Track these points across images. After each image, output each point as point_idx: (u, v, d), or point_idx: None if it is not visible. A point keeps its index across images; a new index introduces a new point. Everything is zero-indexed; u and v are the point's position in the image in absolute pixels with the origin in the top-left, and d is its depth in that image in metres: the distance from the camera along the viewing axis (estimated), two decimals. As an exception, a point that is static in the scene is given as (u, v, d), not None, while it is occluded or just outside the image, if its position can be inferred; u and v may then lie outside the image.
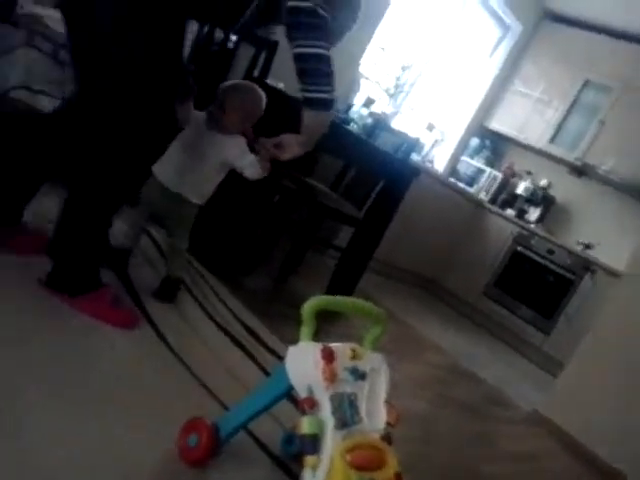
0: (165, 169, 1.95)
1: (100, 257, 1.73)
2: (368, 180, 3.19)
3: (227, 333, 2.01)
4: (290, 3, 1.54)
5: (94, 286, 1.69)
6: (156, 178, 1.96)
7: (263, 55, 2.42)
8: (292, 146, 1.77)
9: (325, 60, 1.58)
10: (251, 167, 1.88)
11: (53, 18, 2.04)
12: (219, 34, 2.64)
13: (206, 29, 2.61)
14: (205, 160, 1.93)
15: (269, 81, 2.50)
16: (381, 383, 1.31)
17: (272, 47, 2.40)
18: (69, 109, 1.73)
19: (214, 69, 2.55)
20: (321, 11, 1.54)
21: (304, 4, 1.53)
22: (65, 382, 1.34)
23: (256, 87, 2.01)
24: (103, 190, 1.64)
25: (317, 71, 1.59)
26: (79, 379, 1.38)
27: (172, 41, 1.62)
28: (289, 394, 1.29)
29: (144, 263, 2.22)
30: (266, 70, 2.43)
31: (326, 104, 1.64)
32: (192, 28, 2.66)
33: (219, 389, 1.60)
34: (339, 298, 1.38)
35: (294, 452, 1.42)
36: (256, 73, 2.44)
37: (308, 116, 1.67)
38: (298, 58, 1.59)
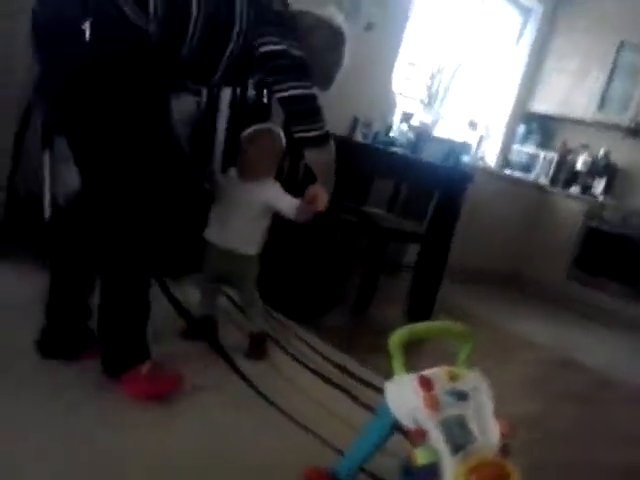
0: (212, 230, 2.02)
1: (144, 334, 1.64)
2: (422, 194, 3.20)
3: (321, 376, 2.05)
4: (261, 49, 1.54)
5: (138, 360, 1.61)
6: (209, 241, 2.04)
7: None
8: (321, 194, 1.81)
9: (310, 98, 1.59)
10: (291, 208, 1.92)
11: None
12: (251, 91, 2.74)
13: (238, 91, 2.72)
14: (245, 210, 1.98)
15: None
16: (485, 399, 1.31)
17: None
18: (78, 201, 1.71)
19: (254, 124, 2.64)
20: (294, 51, 1.55)
21: (274, 48, 1.54)
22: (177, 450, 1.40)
23: (271, 128, 2.06)
24: (126, 271, 1.58)
25: (305, 111, 1.60)
26: (190, 449, 1.44)
27: (160, 124, 1.57)
28: (398, 427, 1.30)
29: (227, 323, 2.29)
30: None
31: (322, 140, 1.65)
32: (225, 92, 2.79)
33: (328, 434, 1.62)
34: (423, 325, 1.39)
35: (415, 482, 1.43)
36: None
37: (310, 156, 1.69)
38: (283, 102, 1.59)
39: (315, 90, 1.63)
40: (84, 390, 1.56)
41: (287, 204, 1.94)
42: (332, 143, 1.73)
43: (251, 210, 1.98)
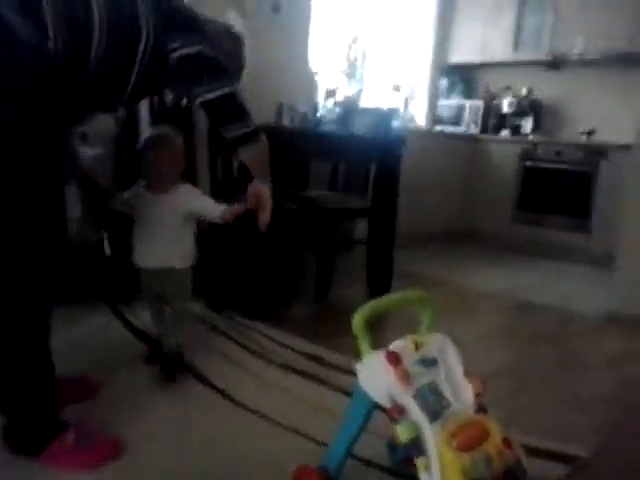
0: (138, 252, 1.91)
1: (51, 401, 1.45)
2: (360, 168, 3.21)
3: (295, 371, 2.04)
4: (176, 54, 1.50)
5: (54, 433, 1.43)
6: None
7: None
8: (262, 191, 1.78)
9: (234, 97, 1.57)
10: (215, 212, 1.86)
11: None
12: (168, 98, 2.68)
13: (156, 99, 2.65)
14: (167, 224, 1.86)
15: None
16: (453, 361, 1.33)
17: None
18: None
19: (180, 129, 2.58)
20: (210, 52, 1.53)
21: (190, 50, 1.50)
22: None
23: (164, 131, 1.96)
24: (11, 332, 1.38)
25: (232, 111, 1.58)
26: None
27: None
28: (376, 407, 1.31)
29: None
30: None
31: (253, 135, 1.64)
32: (143, 103, 2.72)
33: (311, 428, 1.63)
34: (381, 300, 1.39)
35: (403, 457, 1.44)
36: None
37: (245, 153, 1.68)
38: (208, 105, 1.55)
39: (236, 88, 1.61)
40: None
41: (211, 208, 1.88)
42: (263, 136, 1.72)
43: (173, 222, 1.87)
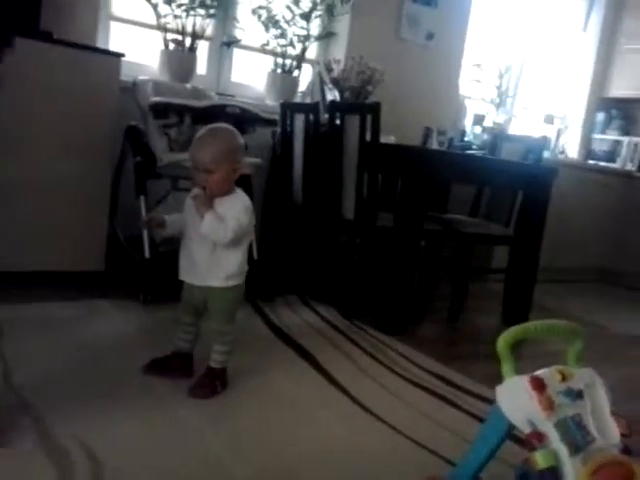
0: (183, 267, 1.73)
1: None
2: (506, 195, 3.14)
3: (423, 388, 2.03)
4: None
5: None
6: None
7: (369, 118, 2.50)
8: None
9: None
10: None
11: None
12: (324, 117, 2.79)
13: (311, 117, 2.77)
14: (203, 238, 1.63)
15: (382, 139, 2.59)
16: (601, 396, 1.27)
17: (375, 109, 2.49)
18: None
19: (331, 148, 2.70)
20: None
21: None
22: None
23: (211, 127, 1.66)
24: None
25: None
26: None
27: None
28: (510, 433, 1.28)
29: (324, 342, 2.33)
30: (376, 131, 2.51)
31: None
32: (299, 121, 2.85)
33: (436, 445, 1.61)
34: (530, 325, 1.35)
35: (535, 489, 1.39)
36: (368, 137, 2.53)
37: None
38: None
39: None
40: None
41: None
42: None
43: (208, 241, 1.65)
